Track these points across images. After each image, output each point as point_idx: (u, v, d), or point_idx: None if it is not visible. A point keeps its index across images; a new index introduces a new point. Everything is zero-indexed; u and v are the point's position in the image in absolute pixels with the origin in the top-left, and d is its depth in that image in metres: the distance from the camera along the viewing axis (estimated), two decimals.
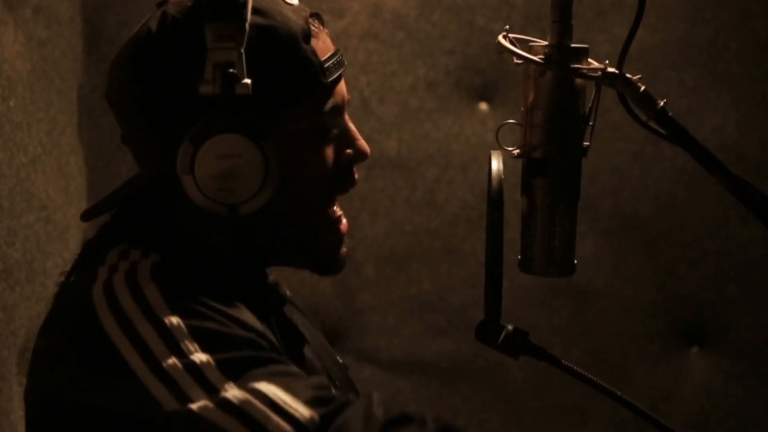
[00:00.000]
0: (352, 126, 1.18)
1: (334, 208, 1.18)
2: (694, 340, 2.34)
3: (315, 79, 1.10)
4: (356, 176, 1.20)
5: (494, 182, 1.02)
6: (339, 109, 1.16)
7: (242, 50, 1.02)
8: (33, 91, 1.83)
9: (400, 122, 2.27)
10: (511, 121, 1.06)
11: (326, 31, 1.17)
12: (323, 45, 1.13)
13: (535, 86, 1.02)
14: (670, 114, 1.00)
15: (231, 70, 1.01)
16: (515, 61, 1.03)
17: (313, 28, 1.12)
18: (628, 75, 0.99)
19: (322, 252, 1.19)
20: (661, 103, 0.99)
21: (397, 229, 2.28)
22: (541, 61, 1.01)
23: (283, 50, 1.09)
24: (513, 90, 2.24)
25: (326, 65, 1.12)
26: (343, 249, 1.20)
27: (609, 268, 2.31)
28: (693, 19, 2.27)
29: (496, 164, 1.03)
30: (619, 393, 1.04)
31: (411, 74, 2.27)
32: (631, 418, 1.06)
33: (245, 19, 1.03)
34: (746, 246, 2.29)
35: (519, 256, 1.06)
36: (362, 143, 1.19)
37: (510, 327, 1.06)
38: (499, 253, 1.01)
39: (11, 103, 1.71)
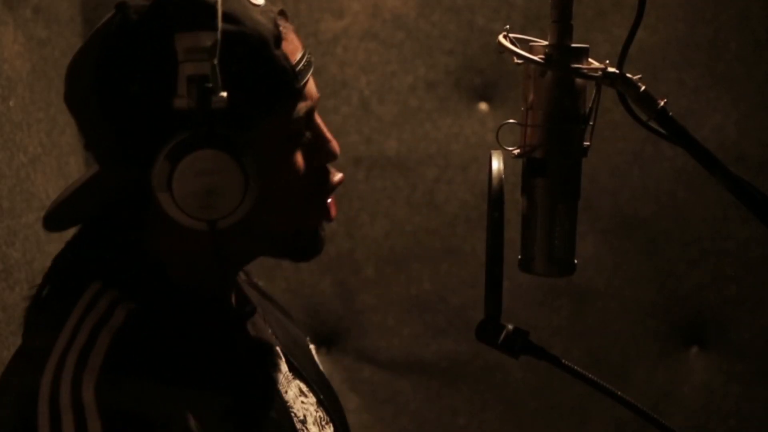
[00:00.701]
0: (323, 127, 1.17)
1: (320, 207, 1.17)
2: (694, 339, 2.34)
3: (289, 85, 1.08)
4: (333, 175, 1.18)
5: (494, 182, 1.02)
6: (311, 111, 1.14)
7: (215, 62, 0.99)
8: (33, 91, 1.83)
9: (400, 122, 2.27)
10: (511, 121, 1.06)
11: (291, 27, 1.14)
12: (292, 46, 1.11)
13: (535, 86, 1.02)
14: (670, 114, 1.00)
15: (207, 84, 0.98)
16: (515, 61, 1.03)
17: (282, 29, 1.09)
18: (628, 75, 0.99)
19: (300, 243, 1.18)
20: (661, 103, 0.99)
21: (397, 229, 2.28)
22: (542, 61, 1.01)
23: (255, 58, 1.05)
24: (513, 90, 2.24)
25: (297, 68, 1.09)
26: (322, 230, 1.18)
27: (609, 268, 2.31)
28: (693, 19, 2.27)
29: (497, 164, 1.03)
30: (619, 393, 1.04)
31: (411, 74, 2.27)
32: (631, 417, 1.06)
33: (217, 29, 0.99)
34: (746, 246, 2.29)
35: (519, 256, 1.06)
36: (333, 145, 1.17)
37: (510, 327, 1.05)
38: (499, 252, 1.01)
39: (11, 103, 1.71)
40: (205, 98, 0.98)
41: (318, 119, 1.16)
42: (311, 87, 1.14)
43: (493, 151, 1.04)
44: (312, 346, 1.40)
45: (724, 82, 2.28)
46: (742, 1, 2.27)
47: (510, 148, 1.05)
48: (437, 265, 2.31)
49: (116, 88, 1.05)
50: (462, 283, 2.29)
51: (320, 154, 1.15)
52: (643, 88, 0.99)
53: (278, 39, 1.07)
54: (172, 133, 1.00)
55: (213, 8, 0.99)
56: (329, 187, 1.17)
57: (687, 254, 2.32)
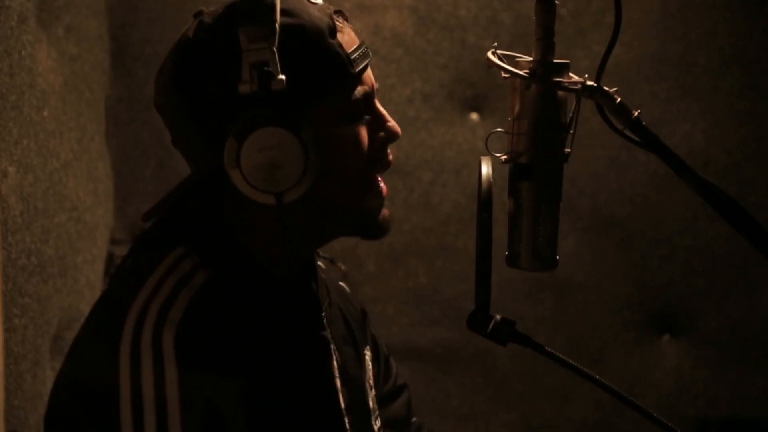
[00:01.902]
0: (382, 110, 1.16)
1: (375, 182, 1.16)
2: (666, 328, 2.34)
3: (343, 69, 1.09)
4: (390, 157, 1.17)
5: (484, 185, 1.02)
6: (369, 96, 1.13)
7: (274, 49, 1.01)
8: (65, 102, 1.83)
9: None
10: (499, 129, 1.06)
11: (350, 26, 1.15)
12: (348, 39, 1.11)
13: (521, 98, 1.02)
14: (643, 123, 1.00)
15: (266, 69, 1.00)
16: (503, 75, 1.03)
17: (337, 23, 1.10)
18: (605, 88, 0.99)
19: (365, 218, 1.17)
20: (636, 114, 0.99)
21: (396, 228, 2.27)
22: (527, 76, 1.01)
23: (311, 45, 1.07)
24: (501, 101, 2.24)
25: (353, 56, 1.10)
26: (385, 211, 1.17)
27: (588, 264, 2.31)
28: (665, 37, 2.27)
29: (486, 169, 1.03)
30: (597, 377, 1.04)
31: (408, 87, 2.27)
32: (608, 399, 1.06)
33: (275, 20, 1.02)
34: (713, 243, 2.29)
35: (506, 252, 1.06)
36: (392, 124, 1.17)
37: (498, 317, 1.05)
38: (488, 249, 1.01)
39: (45, 114, 1.71)
40: (265, 81, 1.00)
41: (378, 103, 1.16)
42: (369, 75, 1.14)
43: (483, 157, 1.04)
44: (368, 355, 1.35)
45: (693, 94, 2.28)
46: (709, 21, 2.27)
47: (498, 155, 1.04)
48: (432, 260, 2.31)
49: (192, 81, 1.08)
50: (455, 277, 2.29)
51: (382, 134, 1.16)
52: (618, 99, 0.99)
53: (333, 30, 1.08)
54: (239, 115, 1.02)
55: (272, 5, 1.02)
56: (386, 163, 1.17)
57: (659, 250, 2.32)
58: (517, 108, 1.03)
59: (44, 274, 1.67)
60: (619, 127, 1.01)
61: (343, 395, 1.19)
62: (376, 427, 1.28)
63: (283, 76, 1.00)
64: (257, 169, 1.02)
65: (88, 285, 1.94)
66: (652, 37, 2.26)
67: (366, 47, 1.14)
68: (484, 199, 1.01)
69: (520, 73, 1.01)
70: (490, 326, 1.05)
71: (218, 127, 1.05)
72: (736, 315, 2.31)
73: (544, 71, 1.00)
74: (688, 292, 2.31)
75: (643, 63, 2.26)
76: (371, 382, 1.31)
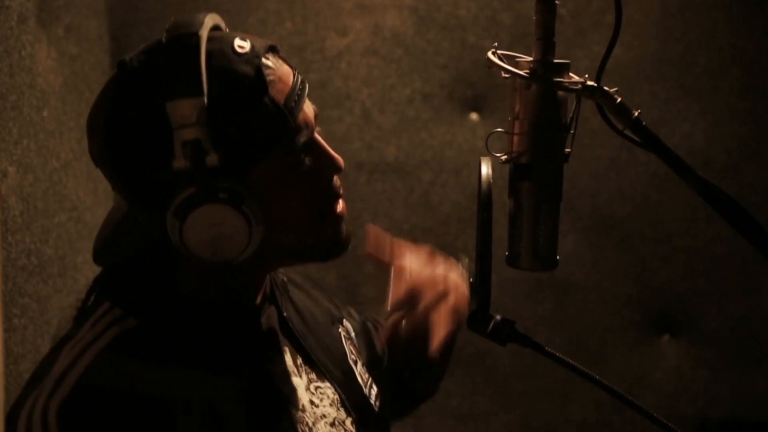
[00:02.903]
0: (323, 143, 1.13)
1: (329, 214, 1.14)
2: (665, 328, 2.34)
3: (282, 127, 1.06)
4: (338, 185, 1.14)
5: (484, 185, 1.02)
6: (309, 140, 1.10)
7: (205, 125, 0.99)
8: (65, 102, 1.83)
9: (399, 131, 2.27)
10: (499, 129, 1.05)
11: (282, 59, 1.10)
12: (283, 82, 1.07)
13: (521, 98, 1.02)
14: (643, 123, 1.00)
15: (199, 146, 0.99)
16: (503, 75, 1.03)
17: (268, 68, 1.05)
18: (605, 88, 0.99)
19: (323, 248, 1.16)
20: (636, 114, 0.99)
21: (396, 228, 2.28)
22: (527, 75, 1.00)
23: (242, 114, 1.03)
24: (501, 101, 2.24)
25: (290, 103, 1.06)
26: (343, 231, 1.15)
27: (588, 264, 2.31)
28: (665, 37, 2.27)
29: (486, 169, 1.03)
30: (597, 377, 1.04)
31: (408, 87, 2.27)
32: (608, 399, 1.06)
33: (203, 92, 0.99)
34: (713, 243, 2.29)
35: (506, 253, 1.06)
36: (336, 159, 1.13)
37: (498, 317, 1.05)
38: (488, 249, 1.01)
39: (45, 114, 1.71)
40: (199, 159, 0.99)
41: (318, 140, 1.12)
42: (307, 114, 1.10)
43: (483, 157, 1.04)
44: (344, 331, 1.34)
45: (693, 94, 2.28)
46: (709, 21, 2.27)
47: (498, 155, 1.04)
48: None
49: (122, 152, 1.06)
50: None
51: (325, 171, 1.13)
52: (619, 99, 0.99)
53: (264, 87, 1.04)
54: (177, 190, 1.01)
55: (198, 72, 0.99)
56: (335, 195, 1.14)
57: (659, 251, 2.32)
58: (517, 108, 1.02)
59: (44, 274, 1.67)
60: (619, 127, 1.00)
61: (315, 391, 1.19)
62: (372, 396, 1.29)
63: (215, 153, 0.99)
64: (202, 244, 1.01)
65: (88, 285, 1.93)
66: (652, 37, 2.26)
67: (301, 79, 1.10)
68: (484, 199, 1.01)
69: (521, 73, 1.01)
70: (490, 326, 1.04)
71: (155, 199, 1.04)
72: (736, 315, 2.31)
73: (544, 71, 1.00)
74: (688, 292, 2.31)
75: (643, 63, 2.26)
76: (353, 356, 1.31)
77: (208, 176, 1.00)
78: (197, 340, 1.10)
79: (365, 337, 1.41)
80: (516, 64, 1.02)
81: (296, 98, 1.08)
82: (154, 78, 1.02)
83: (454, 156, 2.28)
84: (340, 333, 1.34)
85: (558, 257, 1.05)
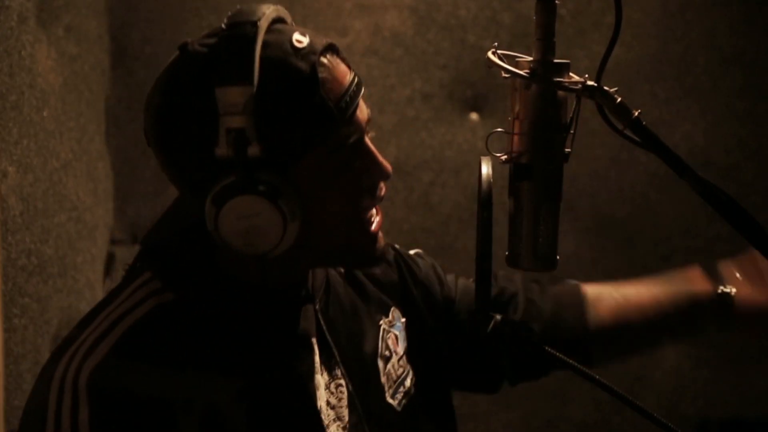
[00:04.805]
0: (373, 149, 1.11)
1: (366, 223, 1.13)
2: None
3: (328, 125, 1.05)
4: (381, 194, 1.13)
5: (484, 185, 1.02)
6: (358, 141, 1.09)
7: (251, 115, 0.99)
8: (65, 102, 1.83)
9: (399, 131, 2.27)
10: (499, 129, 1.05)
11: (341, 58, 1.09)
12: (337, 81, 1.06)
13: (521, 98, 1.02)
14: (643, 123, 1.00)
15: (242, 135, 0.99)
16: (503, 75, 1.02)
17: (323, 66, 1.05)
18: (605, 88, 0.99)
19: (356, 256, 1.15)
20: (636, 113, 0.99)
21: (396, 228, 2.28)
22: (527, 75, 1.00)
23: (292, 107, 1.03)
24: (501, 101, 2.24)
25: (342, 103, 1.05)
26: (378, 245, 1.14)
27: (588, 264, 2.31)
28: (665, 37, 2.27)
29: (486, 169, 1.03)
30: (597, 376, 1.04)
31: (408, 87, 2.27)
32: (608, 399, 1.06)
33: (253, 82, 0.99)
34: (712, 243, 2.29)
35: (506, 252, 1.06)
36: (383, 166, 1.12)
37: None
38: (488, 249, 1.01)
39: (45, 114, 1.71)
40: (241, 148, 0.99)
41: (367, 143, 1.11)
42: (361, 114, 1.09)
43: (483, 157, 1.04)
44: (386, 324, 1.30)
45: (693, 94, 2.28)
46: (709, 21, 2.27)
47: (498, 155, 1.04)
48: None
49: (170, 133, 1.06)
50: None
51: (370, 175, 1.11)
52: (619, 99, 0.99)
53: (316, 84, 1.04)
54: (218, 178, 1.01)
55: (251, 61, 0.99)
56: (378, 199, 1.13)
57: (659, 251, 2.32)
58: (517, 108, 1.03)
59: (44, 274, 1.67)
60: (619, 127, 1.01)
61: (334, 387, 1.18)
62: (394, 402, 1.26)
63: (258, 144, 0.99)
64: (235, 234, 1.01)
65: (88, 285, 1.94)
66: (652, 37, 2.26)
67: (357, 79, 1.09)
68: (484, 199, 1.01)
69: (521, 73, 1.01)
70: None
71: (198, 183, 1.04)
72: None
73: (545, 71, 1.00)
74: None
75: (643, 63, 2.26)
76: (387, 352, 1.28)
77: (249, 167, 1.00)
78: (231, 323, 1.10)
79: (434, 272, 1.38)
80: (516, 64, 1.02)
81: (348, 99, 1.07)
82: (208, 62, 1.02)
83: (454, 156, 2.28)
84: (380, 327, 1.29)
85: (558, 257, 1.05)
